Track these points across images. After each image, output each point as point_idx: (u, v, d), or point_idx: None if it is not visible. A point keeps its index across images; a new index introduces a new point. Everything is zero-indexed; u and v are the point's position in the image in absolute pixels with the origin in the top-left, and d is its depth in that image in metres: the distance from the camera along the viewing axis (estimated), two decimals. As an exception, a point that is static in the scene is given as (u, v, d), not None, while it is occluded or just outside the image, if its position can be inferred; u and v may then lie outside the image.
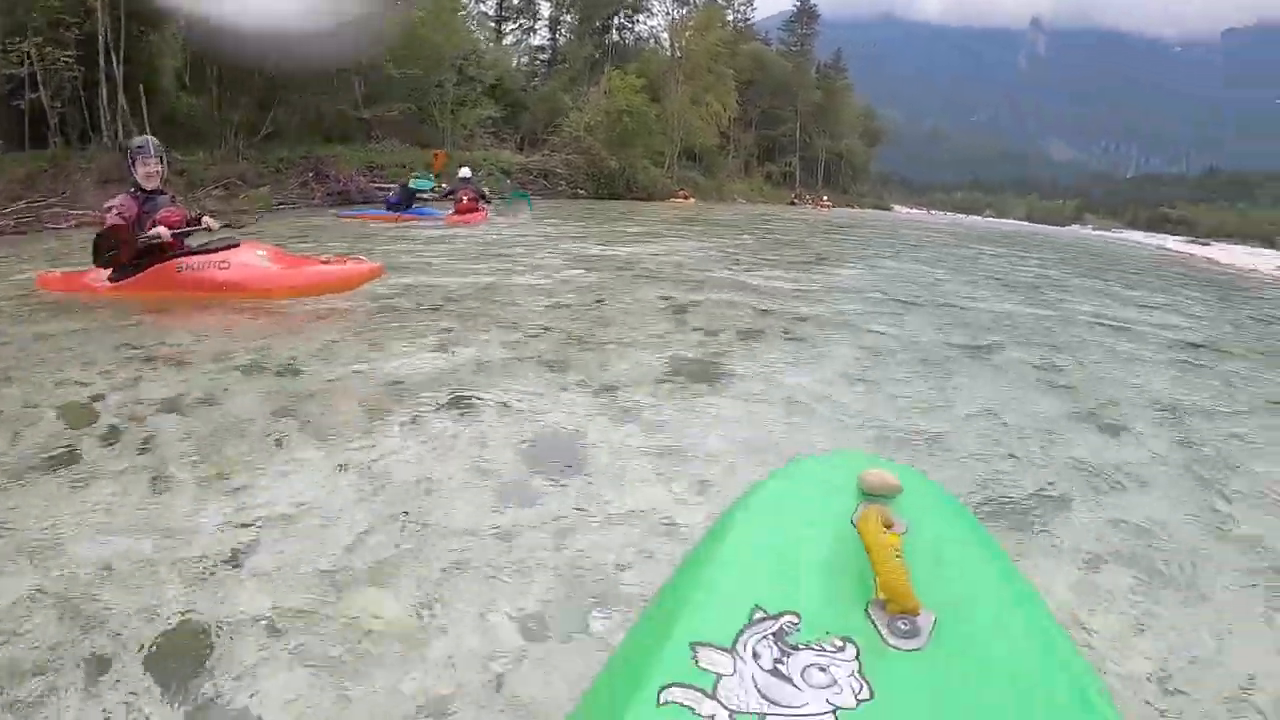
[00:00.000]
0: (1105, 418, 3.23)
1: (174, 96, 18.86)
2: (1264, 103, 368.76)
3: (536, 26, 40.89)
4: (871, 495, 0.92)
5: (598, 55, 37.10)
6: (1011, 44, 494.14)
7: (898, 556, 0.76)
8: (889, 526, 0.83)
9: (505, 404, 2.95)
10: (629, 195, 27.55)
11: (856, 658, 0.66)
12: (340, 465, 2.31)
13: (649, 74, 32.56)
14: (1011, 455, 2.67)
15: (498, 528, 1.94)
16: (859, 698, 0.62)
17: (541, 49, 41.32)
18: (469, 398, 3.00)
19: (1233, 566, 1.99)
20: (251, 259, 4.80)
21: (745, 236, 13.63)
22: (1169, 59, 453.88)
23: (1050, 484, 2.42)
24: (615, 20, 41.50)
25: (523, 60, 39.49)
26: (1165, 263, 18.61)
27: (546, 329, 4.45)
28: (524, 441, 2.56)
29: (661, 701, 0.61)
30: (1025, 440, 2.85)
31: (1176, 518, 2.23)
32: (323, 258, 5.12)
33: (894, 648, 0.68)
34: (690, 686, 0.61)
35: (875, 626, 0.70)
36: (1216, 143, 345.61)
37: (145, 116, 15.99)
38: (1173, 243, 45.17)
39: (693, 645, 0.66)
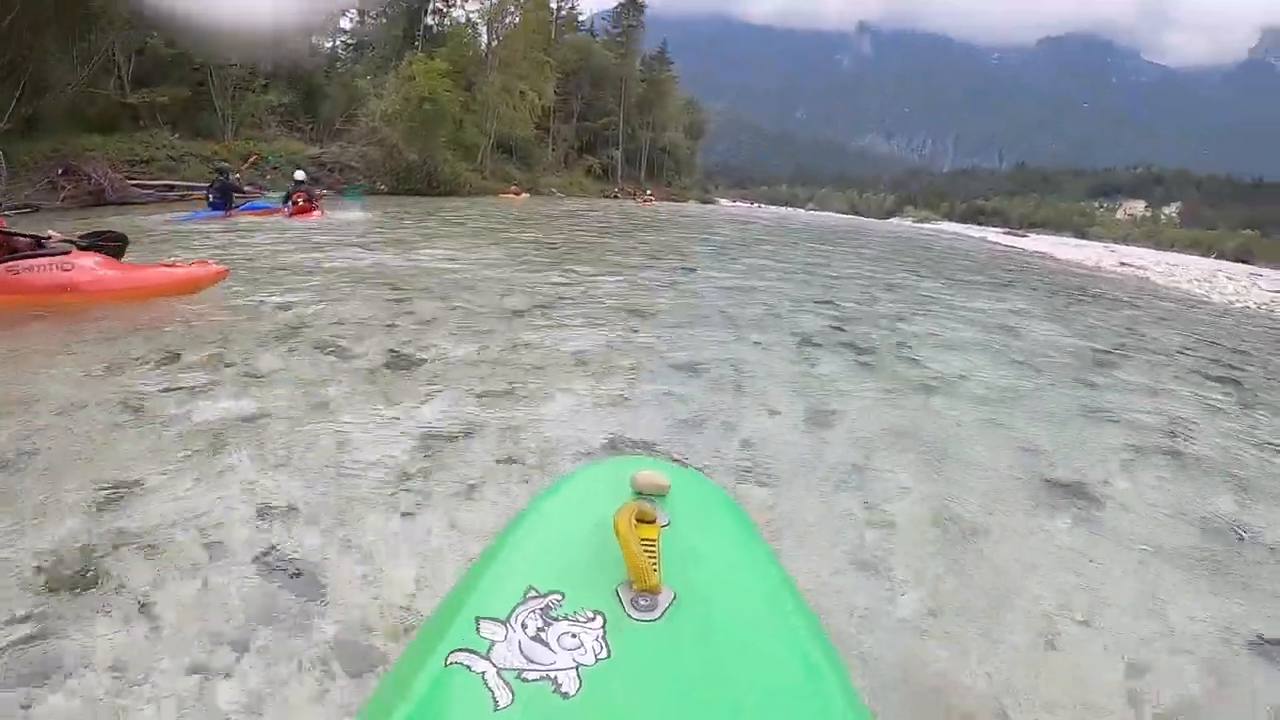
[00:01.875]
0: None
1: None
2: (1072, 105, 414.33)
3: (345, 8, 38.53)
4: (641, 494, 1.03)
5: (416, 44, 35.17)
6: (839, 45, 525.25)
7: (644, 543, 0.89)
8: (648, 520, 0.95)
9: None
10: (430, 191, 25.30)
11: (603, 627, 0.80)
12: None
13: (459, 60, 30.66)
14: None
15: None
16: (599, 657, 0.76)
17: (347, 32, 39.04)
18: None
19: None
20: (91, 262, 4.78)
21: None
22: (986, 65, 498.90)
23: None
24: (430, 4, 39.69)
25: (325, 44, 36.92)
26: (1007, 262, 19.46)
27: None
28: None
29: (448, 663, 0.74)
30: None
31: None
32: (167, 260, 5.26)
33: (634, 619, 0.82)
34: (470, 651, 0.75)
35: (621, 603, 0.84)
36: (1028, 141, 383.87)
37: None
38: (994, 235, 49.04)
39: (477, 619, 0.80)
